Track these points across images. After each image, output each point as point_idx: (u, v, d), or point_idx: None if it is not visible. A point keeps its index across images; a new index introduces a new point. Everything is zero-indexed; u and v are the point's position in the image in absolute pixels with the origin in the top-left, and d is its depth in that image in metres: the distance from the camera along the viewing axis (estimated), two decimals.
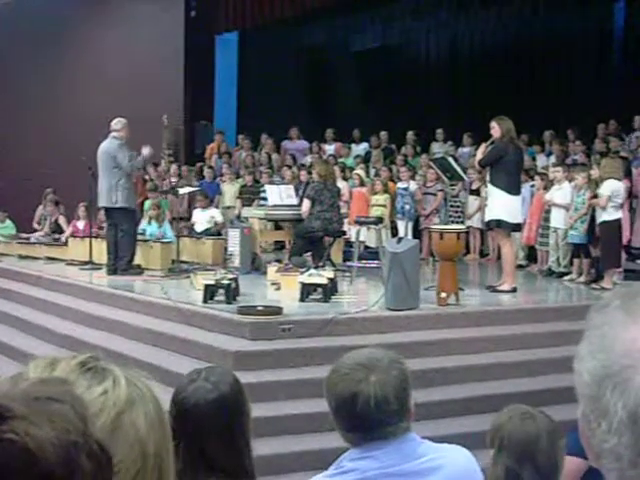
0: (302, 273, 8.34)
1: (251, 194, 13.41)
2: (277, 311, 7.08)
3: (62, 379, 0.95)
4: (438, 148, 14.61)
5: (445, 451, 2.18)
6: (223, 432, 2.20)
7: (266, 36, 17.09)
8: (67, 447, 0.81)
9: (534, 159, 12.93)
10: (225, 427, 2.21)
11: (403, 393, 2.10)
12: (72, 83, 17.06)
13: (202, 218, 12.36)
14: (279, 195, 10.99)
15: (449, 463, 2.14)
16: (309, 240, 10.17)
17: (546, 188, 10.84)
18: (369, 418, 2.06)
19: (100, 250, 10.91)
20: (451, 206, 12.85)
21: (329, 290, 7.95)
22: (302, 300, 7.85)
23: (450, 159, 10.47)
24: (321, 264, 9.44)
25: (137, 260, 10.68)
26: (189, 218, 12.92)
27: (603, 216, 9.21)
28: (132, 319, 8.00)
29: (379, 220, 10.76)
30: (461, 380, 6.66)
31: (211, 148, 15.97)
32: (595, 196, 9.40)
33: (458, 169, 10.09)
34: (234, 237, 10.50)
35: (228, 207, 13.70)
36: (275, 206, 10.85)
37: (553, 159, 12.24)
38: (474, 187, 12.57)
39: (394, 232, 12.45)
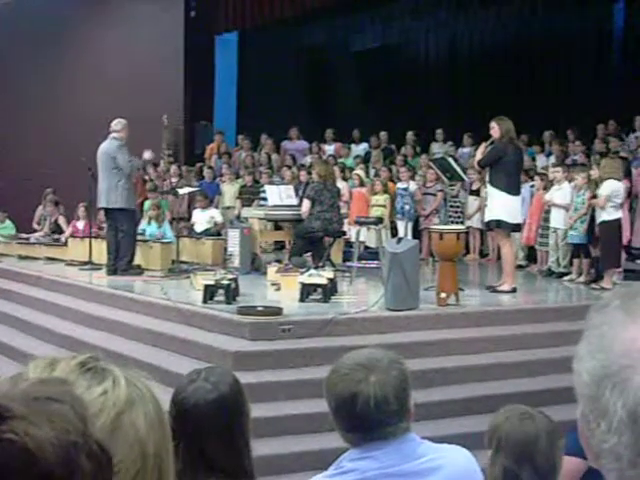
0: (302, 273, 8.34)
1: (251, 194, 13.41)
2: (277, 311, 7.08)
3: (62, 379, 0.95)
4: (438, 148, 14.61)
5: (445, 451, 2.18)
6: (223, 432, 2.20)
7: (266, 36, 17.09)
8: (67, 447, 0.81)
9: (534, 159, 12.93)
10: (225, 427, 2.21)
11: (403, 393, 2.10)
12: (72, 83, 17.06)
13: (202, 218, 12.35)
14: (279, 195, 10.99)
15: (449, 463, 2.14)
16: (309, 240, 10.17)
17: (546, 188, 10.84)
18: (369, 418, 2.06)
19: (100, 250, 10.92)
20: (451, 206, 12.85)
21: (329, 290, 7.95)
22: (302, 300, 7.85)
23: (450, 159, 10.48)
24: (321, 264, 9.44)
25: (137, 260, 10.68)
26: (189, 218, 12.92)
27: (603, 216, 9.22)
28: (132, 319, 8.00)
29: (379, 220, 10.76)
30: (461, 380, 6.66)
31: (211, 148, 15.97)
32: (595, 196, 9.40)
33: (458, 169, 10.09)
34: (234, 237, 10.50)
35: (228, 207, 13.70)
36: (275, 206, 10.84)
37: (553, 159, 12.25)
38: (474, 187, 12.57)
39: (394, 232, 12.45)
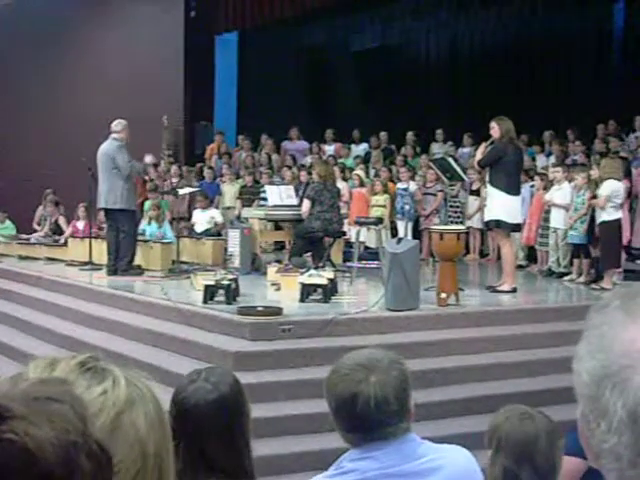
0: (302, 273, 8.33)
1: (251, 194, 13.42)
2: (277, 312, 7.08)
3: (62, 379, 0.95)
4: (438, 148, 14.61)
5: (445, 451, 2.18)
6: (223, 432, 2.20)
7: (266, 36, 17.10)
8: (66, 447, 0.81)
9: (534, 159, 12.93)
10: (225, 427, 2.21)
11: (403, 394, 2.10)
12: (72, 84, 17.07)
13: (202, 219, 12.36)
14: (279, 195, 10.99)
15: (449, 463, 2.14)
16: (309, 240, 10.17)
17: (546, 188, 10.84)
18: (369, 419, 2.06)
19: (100, 250, 10.92)
20: (451, 206, 12.85)
21: (329, 290, 7.95)
22: (302, 300, 7.85)
23: (450, 159, 10.48)
24: (321, 264, 9.44)
25: (137, 261, 10.68)
26: (189, 218, 12.92)
27: (603, 216, 9.21)
28: (132, 320, 8.00)
29: (379, 220, 10.76)
30: (461, 380, 6.66)
31: (211, 149, 15.97)
32: (595, 196, 9.40)
33: (458, 169, 10.09)
34: (234, 237, 10.51)
35: (228, 207, 13.70)
36: (275, 206, 10.85)
37: (553, 159, 12.24)
38: (474, 187, 12.57)
39: (394, 232, 12.45)
